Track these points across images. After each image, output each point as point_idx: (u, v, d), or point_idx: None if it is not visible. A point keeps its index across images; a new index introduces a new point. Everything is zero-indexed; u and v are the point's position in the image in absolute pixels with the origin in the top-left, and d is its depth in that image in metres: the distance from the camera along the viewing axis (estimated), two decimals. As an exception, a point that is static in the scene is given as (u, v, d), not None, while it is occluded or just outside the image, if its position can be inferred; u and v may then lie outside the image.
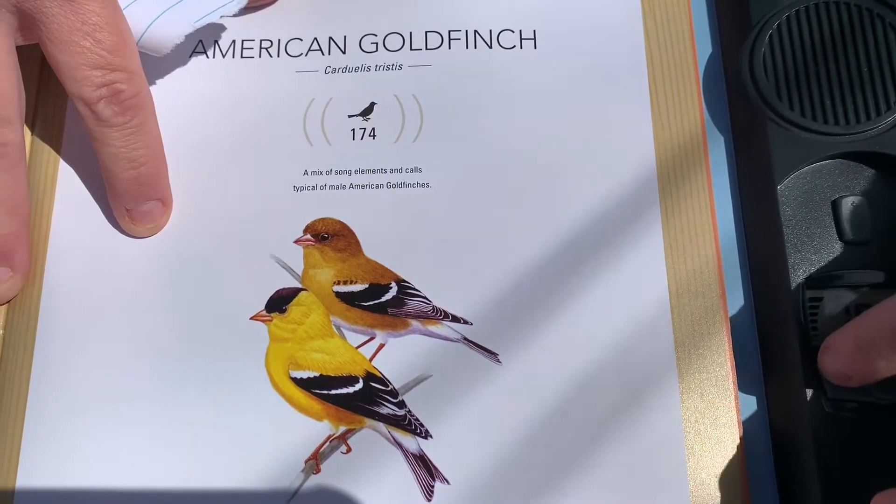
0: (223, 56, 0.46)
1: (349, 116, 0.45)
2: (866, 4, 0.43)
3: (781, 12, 0.43)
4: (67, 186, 0.44)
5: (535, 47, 0.46)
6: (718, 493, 0.38)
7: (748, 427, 0.40)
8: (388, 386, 0.40)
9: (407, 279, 0.42)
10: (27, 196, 0.41)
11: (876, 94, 0.42)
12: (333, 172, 0.44)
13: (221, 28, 0.46)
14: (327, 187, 0.44)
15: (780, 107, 0.42)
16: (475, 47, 0.46)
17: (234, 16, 0.44)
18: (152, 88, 0.41)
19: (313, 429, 0.40)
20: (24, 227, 0.41)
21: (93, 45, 0.39)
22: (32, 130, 0.45)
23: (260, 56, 0.46)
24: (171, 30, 0.41)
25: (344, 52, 0.46)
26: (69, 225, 0.43)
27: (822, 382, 0.38)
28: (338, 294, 0.42)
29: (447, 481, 0.39)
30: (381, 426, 0.40)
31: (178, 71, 0.46)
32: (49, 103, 0.46)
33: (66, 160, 0.45)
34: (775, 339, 0.41)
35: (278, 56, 0.46)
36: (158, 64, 0.44)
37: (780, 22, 0.43)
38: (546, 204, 0.43)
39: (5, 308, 0.42)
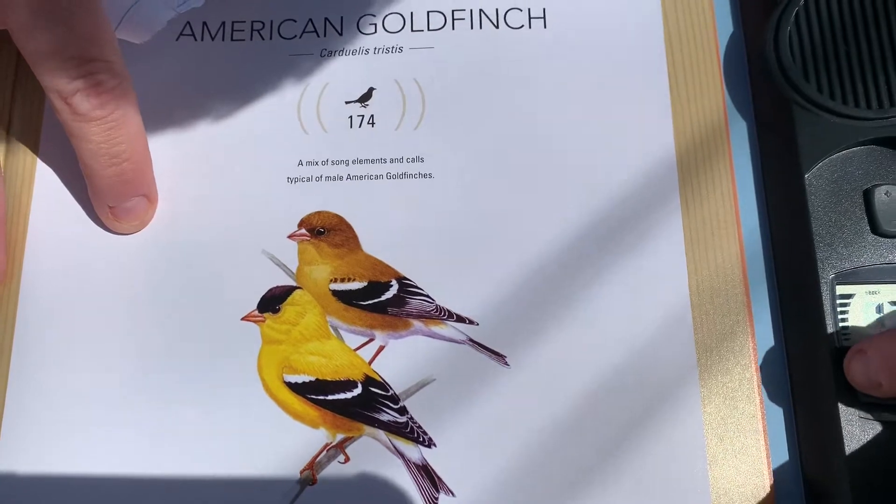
0: (212, 38, 0.45)
1: (346, 103, 0.43)
2: (900, -21, 0.41)
3: (808, -13, 0.42)
4: (46, 181, 0.43)
5: (545, 27, 0.44)
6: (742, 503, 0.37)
7: (773, 432, 0.39)
8: (388, 391, 0.39)
9: (408, 276, 0.40)
10: (2, 193, 0.40)
11: (911, 76, 0.40)
12: (330, 162, 0.42)
13: (210, 8, 0.44)
14: (323, 178, 0.42)
15: (808, 89, 0.40)
16: (480, 27, 0.44)
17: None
18: (132, 72, 0.39)
19: (309, 437, 0.38)
20: (-1, 225, 0.40)
21: (66, 31, 0.36)
22: (10, 124, 0.43)
23: (251, 38, 0.45)
24: (151, 14, 0.39)
25: (340, 34, 0.45)
26: (48, 222, 0.42)
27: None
28: (335, 292, 0.40)
29: (452, 493, 0.37)
30: (382, 434, 0.38)
31: (161, 54, 0.44)
32: (27, 94, 0.44)
33: (44, 154, 0.43)
34: (802, 338, 0.39)
35: (270, 38, 0.45)
36: (140, 46, 0.42)
37: (806, -2, 0.41)
38: (557, 196, 0.41)
39: (-19, 309, 0.41)
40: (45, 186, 0.42)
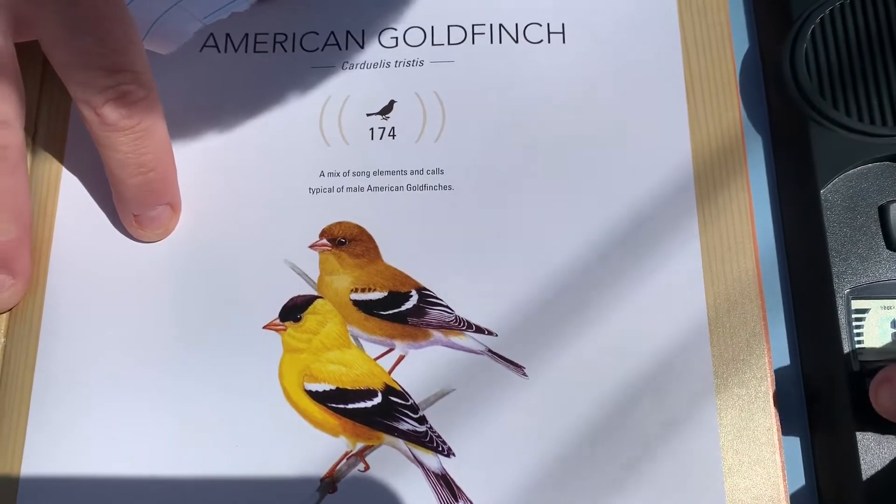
0: (235, 50, 0.45)
1: (368, 115, 0.44)
2: (915, -4, 0.41)
3: (824, 5, 0.42)
4: (71, 189, 0.43)
5: (564, 42, 0.44)
6: (757, 515, 0.37)
7: (790, 446, 0.39)
8: (408, 400, 0.39)
9: (428, 287, 0.41)
10: (29, 201, 0.40)
11: (926, 93, 0.40)
12: (351, 174, 0.42)
13: (233, 21, 0.44)
14: (345, 189, 0.42)
15: (824, 106, 0.40)
16: (500, 42, 0.44)
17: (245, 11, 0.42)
18: (158, 84, 0.39)
19: (329, 445, 0.38)
20: (25, 232, 0.40)
21: (96, 43, 0.36)
22: (35, 131, 0.44)
23: (274, 50, 0.45)
24: (178, 27, 0.39)
25: (362, 47, 0.45)
26: (73, 229, 0.42)
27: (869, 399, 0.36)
28: (355, 302, 0.40)
29: (470, 502, 0.37)
30: (401, 443, 0.38)
31: (186, 66, 0.44)
32: (52, 103, 0.44)
33: (69, 162, 0.43)
34: (818, 351, 0.39)
35: (293, 51, 0.45)
36: (164, 57, 0.43)
37: (822, 16, 0.42)
38: (575, 208, 0.41)
39: (7, 316, 0.41)
40: (71, 194, 0.42)
